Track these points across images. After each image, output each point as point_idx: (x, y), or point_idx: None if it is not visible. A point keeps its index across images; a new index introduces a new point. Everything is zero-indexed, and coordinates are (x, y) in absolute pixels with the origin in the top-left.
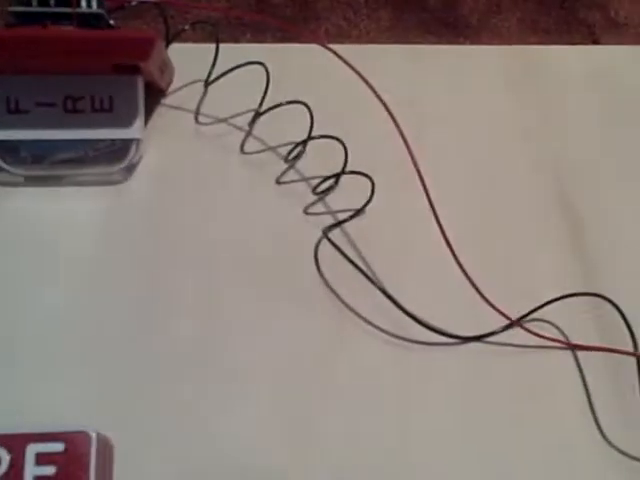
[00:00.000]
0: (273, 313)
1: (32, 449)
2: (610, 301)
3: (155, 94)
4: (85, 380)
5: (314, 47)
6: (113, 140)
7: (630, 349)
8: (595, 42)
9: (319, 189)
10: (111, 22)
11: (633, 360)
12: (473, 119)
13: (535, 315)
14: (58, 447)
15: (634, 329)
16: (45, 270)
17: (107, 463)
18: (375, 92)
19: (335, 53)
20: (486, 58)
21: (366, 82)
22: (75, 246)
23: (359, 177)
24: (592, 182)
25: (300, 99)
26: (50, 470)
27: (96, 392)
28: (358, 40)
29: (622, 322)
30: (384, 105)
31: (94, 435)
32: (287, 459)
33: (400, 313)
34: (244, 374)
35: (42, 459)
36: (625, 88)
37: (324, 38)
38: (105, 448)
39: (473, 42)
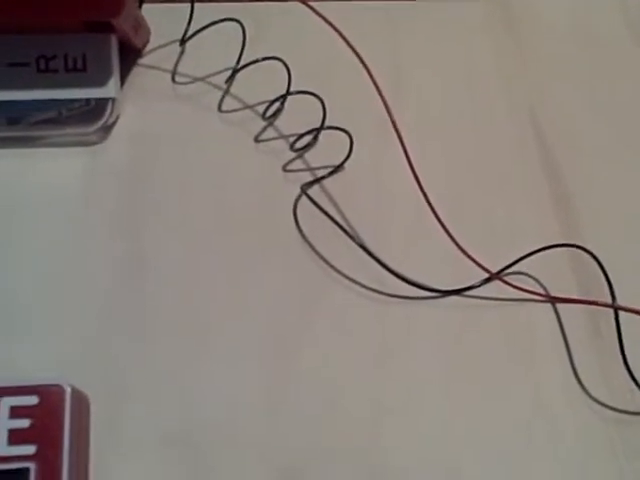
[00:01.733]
0: (252, 270)
1: (6, 402)
2: (589, 252)
3: (131, 54)
4: (63, 341)
5: (292, 4)
6: (88, 100)
7: (609, 301)
8: None
9: (297, 146)
10: None
11: (612, 312)
12: (452, 72)
13: (515, 268)
14: (32, 400)
15: (612, 281)
16: (21, 232)
17: (83, 418)
18: (352, 48)
19: (313, 9)
20: (466, 9)
21: (344, 38)
22: (52, 207)
23: (338, 133)
24: (572, 132)
25: (278, 56)
26: (24, 423)
27: (75, 353)
28: None
29: (601, 274)
30: (360, 60)
31: (68, 389)
32: (267, 415)
33: (380, 268)
34: (224, 331)
35: (16, 412)
36: (606, 37)
37: None
38: (80, 402)
39: None
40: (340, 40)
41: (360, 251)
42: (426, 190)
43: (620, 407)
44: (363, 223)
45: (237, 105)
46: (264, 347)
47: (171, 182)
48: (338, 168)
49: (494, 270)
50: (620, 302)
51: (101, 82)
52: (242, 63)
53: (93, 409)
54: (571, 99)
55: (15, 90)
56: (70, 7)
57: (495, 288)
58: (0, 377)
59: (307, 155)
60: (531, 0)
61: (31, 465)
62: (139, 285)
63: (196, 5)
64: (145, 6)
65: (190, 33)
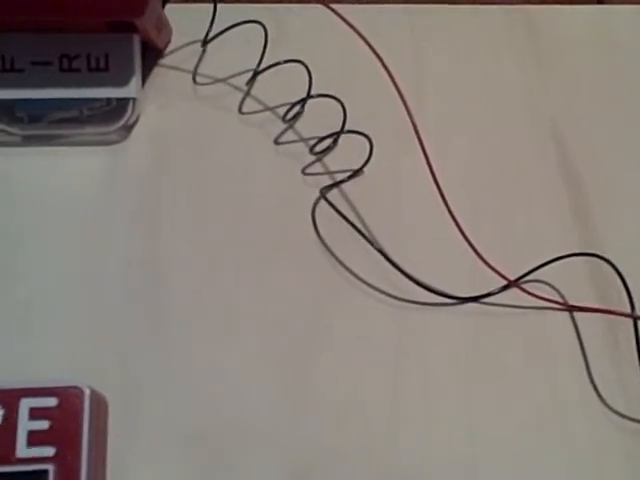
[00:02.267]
0: (270, 273)
1: (25, 404)
2: (609, 262)
3: (153, 54)
4: (82, 339)
5: (314, 7)
6: (109, 99)
7: (628, 311)
8: (600, 2)
9: (317, 149)
10: None
11: (630, 321)
12: (473, 79)
13: (533, 276)
14: (51, 402)
15: (632, 290)
16: (42, 230)
17: (101, 419)
18: (374, 51)
19: (335, 12)
20: (488, 18)
21: (365, 41)
22: (72, 206)
23: (358, 137)
24: (592, 142)
25: (299, 59)
26: (43, 425)
27: (93, 354)
28: (358, 0)
29: (620, 283)
30: (383, 64)
31: (87, 390)
32: (284, 416)
33: (397, 273)
34: (241, 334)
35: (35, 414)
36: (629, 49)
37: None
38: (99, 404)
39: (475, 1)
40: (361, 43)
41: (378, 256)
42: (446, 195)
43: (638, 417)
44: (382, 228)
45: (257, 107)
46: (280, 349)
47: (190, 183)
48: (357, 172)
49: (512, 278)
50: (639, 312)
51: (123, 82)
52: (263, 65)
53: (111, 410)
54: (592, 109)
55: (37, 88)
56: (94, 7)
57: (513, 296)
58: (19, 379)
59: (327, 159)
60: (552, 9)
61: (50, 467)
62: (157, 285)
63: (218, 5)
64: (168, 6)
65: (212, 34)
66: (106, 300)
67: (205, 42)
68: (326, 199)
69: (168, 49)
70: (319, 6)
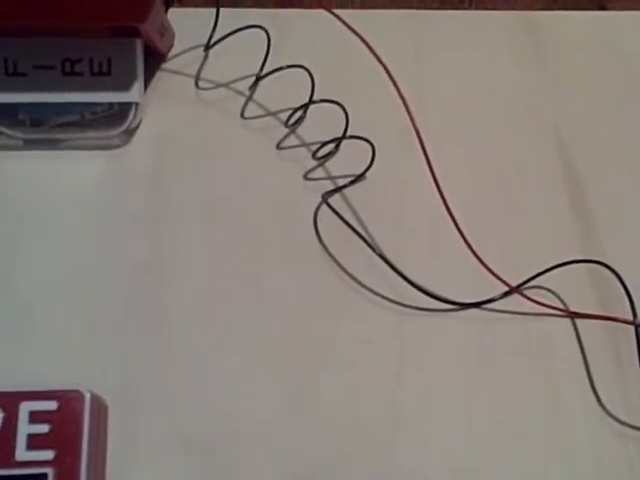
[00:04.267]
0: (272, 278)
1: (25, 407)
2: (610, 268)
3: (155, 58)
4: (82, 344)
5: (315, 12)
6: (112, 103)
7: (629, 317)
8: (602, 8)
9: (319, 154)
10: None
11: (632, 329)
12: (476, 84)
13: (534, 282)
14: (51, 405)
15: (634, 297)
16: (43, 233)
17: (101, 423)
18: (377, 57)
19: (338, 17)
20: (490, 23)
21: (368, 46)
22: (74, 209)
23: (360, 142)
24: (595, 148)
25: (302, 64)
26: (43, 428)
27: (94, 358)
28: (361, 5)
29: (622, 290)
30: (385, 69)
31: (87, 394)
32: (286, 424)
33: (399, 279)
34: (243, 338)
35: (35, 417)
36: (631, 54)
37: (327, 3)
38: (99, 408)
39: (478, 7)
40: (364, 48)
41: (380, 261)
42: (448, 201)
43: (639, 424)
44: (383, 233)
45: (260, 112)
46: (282, 354)
47: (192, 187)
48: (359, 177)
49: (514, 284)
50: None
51: (125, 86)
52: (266, 70)
53: (110, 414)
54: (594, 114)
55: (40, 92)
56: (97, 12)
57: (514, 302)
58: (19, 382)
59: (328, 164)
60: (554, 15)
61: (49, 470)
62: (158, 290)
63: (221, 10)
64: (170, 10)
65: (215, 39)
66: (107, 303)
67: (207, 47)
68: (328, 204)
69: (171, 54)
70: (321, 11)
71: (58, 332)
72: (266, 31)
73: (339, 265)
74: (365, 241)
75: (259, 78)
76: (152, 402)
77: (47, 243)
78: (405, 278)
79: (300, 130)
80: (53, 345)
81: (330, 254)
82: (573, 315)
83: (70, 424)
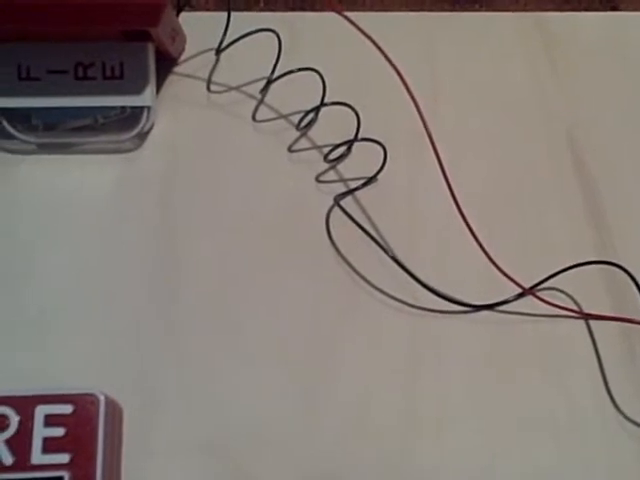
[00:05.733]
0: (284, 281)
1: (41, 410)
2: (625, 270)
3: (167, 63)
4: (96, 348)
5: (327, 15)
6: (124, 107)
7: None
8: (614, 9)
9: (331, 157)
10: None
11: None
12: (487, 87)
13: (548, 284)
14: (67, 409)
15: None
16: (56, 238)
17: (116, 426)
18: (388, 59)
19: (349, 20)
20: (501, 25)
21: (379, 49)
22: (87, 214)
23: (372, 145)
24: (608, 149)
25: (313, 67)
26: (59, 432)
27: (108, 362)
28: (372, 8)
29: (636, 291)
30: (397, 72)
31: (102, 398)
32: (299, 424)
33: (412, 281)
34: (256, 342)
35: (51, 421)
36: None
37: (338, 6)
38: (114, 411)
39: (488, 9)
40: (375, 51)
41: (392, 264)
42: (460, 203)
43: None
44: (396, 236)
45: (271, 115)
46: (296, 357)
47: (204, 191)
48: (371, 180)
49: (527, 285)
50: None
51: (137, 90)
52: (277, 73)
53: (126, 417)
54: (607, 116)
55: (53, 97)
56: (109, 16)
57: (528, 303)
58: (35, 386)
59: (340, 166)
60: (566, 16)
61: (65, 474)
62: (172, 293)
63: (232, 14)
64: (182, 14)
65: (226, 43)
66: (121, 306)
67: (219, 50)
68: (340, 207)
69: (182, 57)
70: (333, 14)
71: (72, 336)
72: (277, 34)
73: (351, 267)
74: (377, 243)
75: (270, 81)
76: (167, 405)
77: (61, 246)
78: (417, 280)
79: (312, 133)
80: (68, 349)
81: (342, 256)
82: (587, 317)
83: (85, 427)
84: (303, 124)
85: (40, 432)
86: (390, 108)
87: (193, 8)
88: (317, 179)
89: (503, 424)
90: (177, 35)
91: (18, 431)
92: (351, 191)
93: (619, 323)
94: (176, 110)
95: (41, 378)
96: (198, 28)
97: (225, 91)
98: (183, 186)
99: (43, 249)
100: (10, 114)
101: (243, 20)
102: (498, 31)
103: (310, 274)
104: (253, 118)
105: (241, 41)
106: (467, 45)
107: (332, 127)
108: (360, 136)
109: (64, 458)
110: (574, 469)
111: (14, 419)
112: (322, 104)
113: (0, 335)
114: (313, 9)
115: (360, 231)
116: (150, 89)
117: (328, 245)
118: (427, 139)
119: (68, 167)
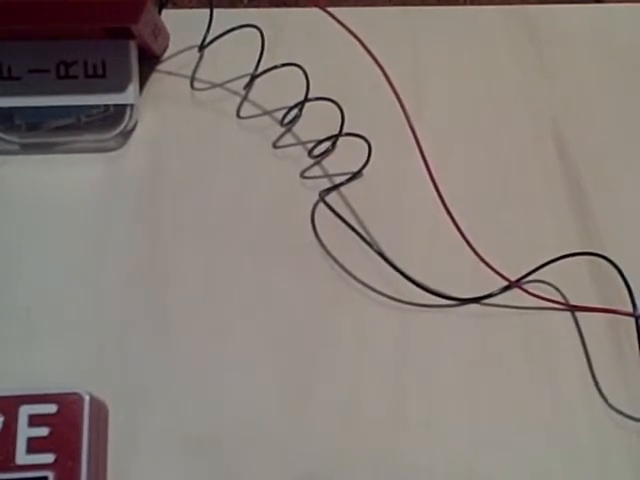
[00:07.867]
0: (270, 277)
1: (25, 410)
2: (610, 261)
3: (150, 60)
4: (82, 345)
5: (310, 10)
6: (107, 106)
7: (629, 309)
8: (599, 1)
9: (315, 152)
10: None
11: (632, 321)
12: (472, 80)
13: (534, 276)
14: (51, 408)
15: (633, 289)
16: (41, 237)
17: (101, 426)
18: (372, 55)
19: (332, 15)
20: (486, 19)
21: (362, 44)
22: (71, 212)
23: (356, 140)
24: (592, 141)
25: (297, 62)
26: (43, 431)
27: (93, 361)
28: (356, 3)
29: (622, 282)
30: (380, 67)
31: (87, 397)
32: (287, 421)
33: (397, 275)
34: (242, 338)
35: (35, 420)
36: (627, 47)
37: (321, 1)
38: (99, 411)
39: (473, 3)
40: (359, 46)
41: (378, 258)
42: (445, 197)
43: None
44: (381, 230)
45: (255, 111)
46: (282, 352)
47: (189, 188)
48: (356, 175)
49: (513, 278)
50: None
51: (120, 88)
52: (261, 69)
53: (111, 416)
54: (592, 108)
55: (35, 96)
56: (90, 13)
57: (514, 296)
58: (19, 386)
59: (325, 162)
60: (551, 9)
61: (49, 474)
62: (157, 291)
63: (215, 10)
64: (164, 12)
65: (209, 39)
66: (106, 305)
67: (202, 47)
68: (325, 202)
69: (165, 55)
70: (316, 10)
71: (57, 335)
72: (260, 30)
73: (337, 262)
74: (363, 238)
75: (254, 77)
76: (153, 404)
77: (45, 246)
78: (404, 274)
79: (296, 128)
80: (52, 348)
81: (328, 252)
82: (573, 308)
83: (70, 427)
84: (287, 120)
85: (24, 432)
86: (374, 103)
87: (176, 5)
88: (302, 175)
89: (490, 415)
90: (160, 32)
91: (2, 431)
92: (336, 186)
93: (605, 314)
94: (160, 107)
95: (26, 378)
96: (181, 25)
97: (209, 88)
98: (168, 184)
99: (28, 249)
100: None
101: (226, 17)
102: (483, 25)
103: (296, 270)
104: (237, 114)
105: (224, 37)
106: (452, 39)
107: (316, 123)
108: (344, 131)
109: (49, 458)
110: (561, 458)
111: None
112: (306, 100)
113: None
114: (296, 5)
115: (345, 226)
116: (133, 87)
117: (314, 241)
118: (411, 133)
119: (52, 167)
